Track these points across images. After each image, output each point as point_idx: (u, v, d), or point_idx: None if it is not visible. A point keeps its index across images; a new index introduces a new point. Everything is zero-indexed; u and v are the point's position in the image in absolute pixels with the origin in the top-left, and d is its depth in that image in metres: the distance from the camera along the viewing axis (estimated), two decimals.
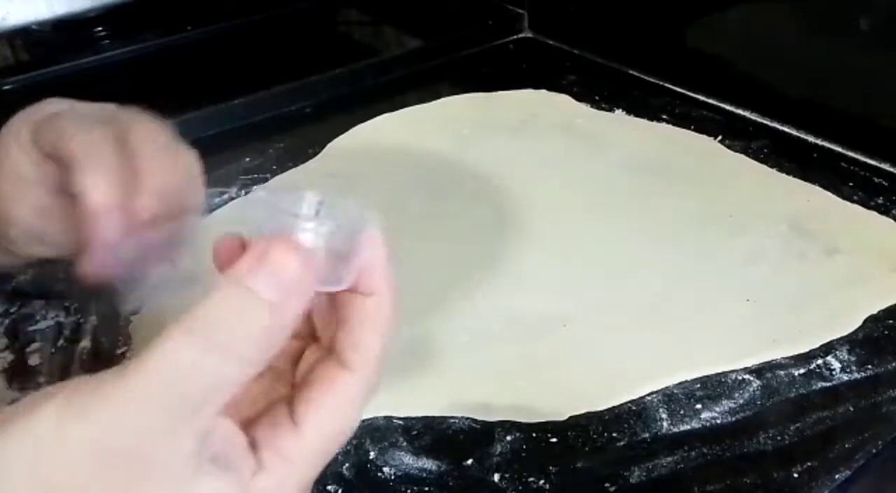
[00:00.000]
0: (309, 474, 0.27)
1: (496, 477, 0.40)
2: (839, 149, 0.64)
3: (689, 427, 0.42)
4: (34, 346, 0.50)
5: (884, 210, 0.57)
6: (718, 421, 0.43)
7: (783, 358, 0.46)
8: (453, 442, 0.42)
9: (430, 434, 0.43)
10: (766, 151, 0.64)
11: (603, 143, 0.67)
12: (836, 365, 0.45)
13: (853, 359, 0.46)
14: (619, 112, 0.71)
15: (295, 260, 0.25)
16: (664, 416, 0.43)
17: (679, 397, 0.44)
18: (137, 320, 0.51)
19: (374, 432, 0.43)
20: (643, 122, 0.70)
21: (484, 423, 0.43)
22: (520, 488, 0.40)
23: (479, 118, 0.71)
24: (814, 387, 0.44)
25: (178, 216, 0.38)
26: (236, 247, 0.27)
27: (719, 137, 0.66)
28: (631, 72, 0.77)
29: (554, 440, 0.42)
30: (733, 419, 0.43)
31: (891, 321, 0.48)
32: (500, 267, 0.54)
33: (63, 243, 0.40)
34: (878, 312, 0.49)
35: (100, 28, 0.83)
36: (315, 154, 0.67)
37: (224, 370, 0.24)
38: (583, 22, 0.83)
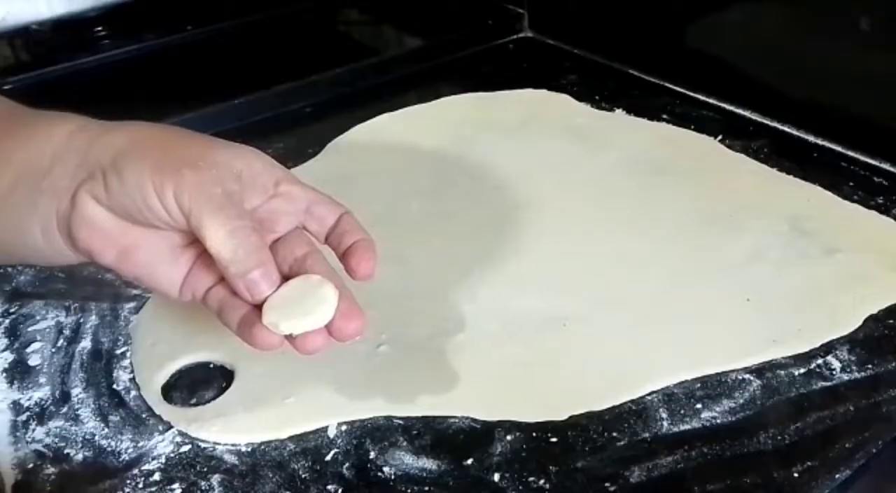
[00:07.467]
0: None
1: (496, 477, 0.40)
2: (839, 149, 0.64)
3: (689, 427, 0.42)
4: (34, 346, 0.50)
5: (884, 210, 0.57)
6: (718, 421, 0.43)
7: (783, 358, 0.46)
8: (453, 442, 0.42)
9: (430, 434, 0.43)
10: (766, 151, 0.64)
11: (603, 143, 0.67)
12: (837, 365, 0.45)
13: (853, 359, 0.46)
14: (619, 112, 0.71)
15: None
16: (664, 416, 0.43)
17: (679, 397, 0.44)
18: (137, 320, 0.51)
19: (374, 432, 0.43)
20: (643, 122, 0.70)
21: (484, 423, 0.43)
22: (520, 488, 0.40)
23: (479, 118, 0.71)
24: (814, 387, 0.44)
25: None
26: None
27: (719, 137, 0.66)
28: (631, 72, 0.77)
29: (554, 439, 0.42)
30: (733, 418, 0.43)
31: (891, 321, 0.48)
32: (500, 267, 0.54)
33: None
34: (878, 311, 0.48)
35: (100, 28, 0.83)
36: (315, 154, 0.67)
37: None
38: (583, 22, 0.83)
